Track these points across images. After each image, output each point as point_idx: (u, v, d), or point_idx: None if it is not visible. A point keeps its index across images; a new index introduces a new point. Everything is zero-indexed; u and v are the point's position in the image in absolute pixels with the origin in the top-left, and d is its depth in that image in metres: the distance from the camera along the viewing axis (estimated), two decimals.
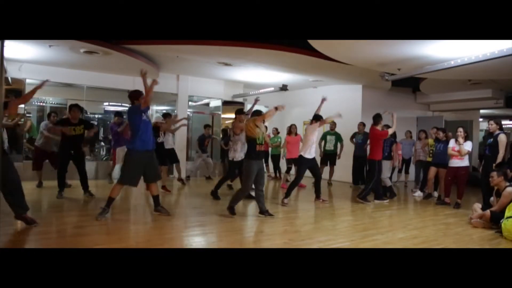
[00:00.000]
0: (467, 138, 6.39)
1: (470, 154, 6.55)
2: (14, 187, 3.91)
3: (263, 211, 5.06)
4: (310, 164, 6.29)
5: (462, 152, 6.31)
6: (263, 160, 5.36)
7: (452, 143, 6.52)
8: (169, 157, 7.52)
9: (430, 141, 7.62)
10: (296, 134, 8.37)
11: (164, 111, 9.37)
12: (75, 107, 6.10)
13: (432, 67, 6.30)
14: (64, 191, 6.06)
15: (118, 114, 7.94)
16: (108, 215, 4.63)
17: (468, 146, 6.36)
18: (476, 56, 5.39)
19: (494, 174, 5.12)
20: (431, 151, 7.49)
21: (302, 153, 6.27)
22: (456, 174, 6.47)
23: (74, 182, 6.71)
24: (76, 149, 6.08)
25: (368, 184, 6.71)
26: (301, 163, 6.33)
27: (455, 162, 6.44)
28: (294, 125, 8.53)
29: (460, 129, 6.38)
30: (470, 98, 9.76)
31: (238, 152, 6.23)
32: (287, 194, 6.28)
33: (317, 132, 6.39)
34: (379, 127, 6.63)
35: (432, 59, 6.08)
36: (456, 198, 6.50)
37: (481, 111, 12.05)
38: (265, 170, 10.10)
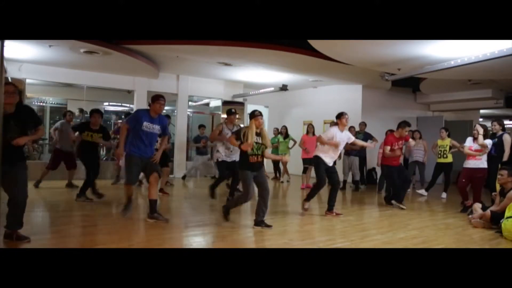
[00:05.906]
0: (485, 137, 5.66)
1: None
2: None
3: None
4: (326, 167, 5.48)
5: (479, 142, 5.53)
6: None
7: (469, 141, 5.88)
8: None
9: (439, 141, 7.54)
10: (313, 134, 8.08)
11: (164, 111, 9.33)
12: (96, 113, 5.77)
13: (432, 67, 6.31)
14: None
15: (127, 115, 7.91)
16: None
17: (488, 142, 5.67)
18: (476, 56, 5.40)
19: (505, 172, 4.90)
20: (439, 152, 7.43)
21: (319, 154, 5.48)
22: (472, 176, 5.80)
23: (79, 183, 6.60)
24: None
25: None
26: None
27: (471, 163, 5.75)
28: (311, 124, 8.44)
29: (478, 126, 5.67)
30: (470, 98, 9.78)
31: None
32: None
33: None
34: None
35: (432, 59, 6.08)
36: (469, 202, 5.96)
37: (481, 111, 12.07)
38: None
